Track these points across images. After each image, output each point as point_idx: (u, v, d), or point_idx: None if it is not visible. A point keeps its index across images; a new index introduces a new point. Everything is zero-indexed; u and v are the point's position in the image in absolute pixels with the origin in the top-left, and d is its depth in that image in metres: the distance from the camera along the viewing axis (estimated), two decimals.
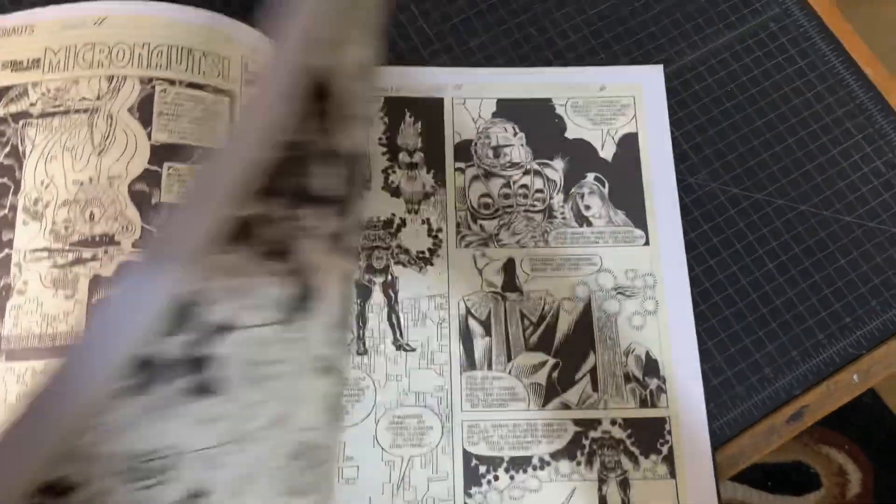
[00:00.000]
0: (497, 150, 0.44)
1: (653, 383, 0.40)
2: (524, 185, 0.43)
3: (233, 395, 0.22)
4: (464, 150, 0.43)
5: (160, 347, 0.19)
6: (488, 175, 0.43)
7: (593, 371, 0.40)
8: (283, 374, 0.24)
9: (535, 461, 0.39)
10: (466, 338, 0.41)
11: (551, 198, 0.43)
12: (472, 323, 0.41)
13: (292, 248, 0.23)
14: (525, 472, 0.39)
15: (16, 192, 0.38)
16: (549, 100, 0.44)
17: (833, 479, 0.89)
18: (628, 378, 0.40)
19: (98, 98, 0.39)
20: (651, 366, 0.40)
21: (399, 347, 0.40)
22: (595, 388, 0.40)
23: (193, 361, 0.20)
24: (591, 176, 0.43)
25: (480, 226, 0.42)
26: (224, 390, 0.21)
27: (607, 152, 0.44)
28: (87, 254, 0.37)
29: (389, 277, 0.41)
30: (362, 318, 0.41)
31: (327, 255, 0.24)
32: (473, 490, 0.38)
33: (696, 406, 0.40)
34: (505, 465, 0.39)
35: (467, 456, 0.39)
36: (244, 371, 0.22)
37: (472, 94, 0.44)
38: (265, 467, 0.24)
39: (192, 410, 0.21)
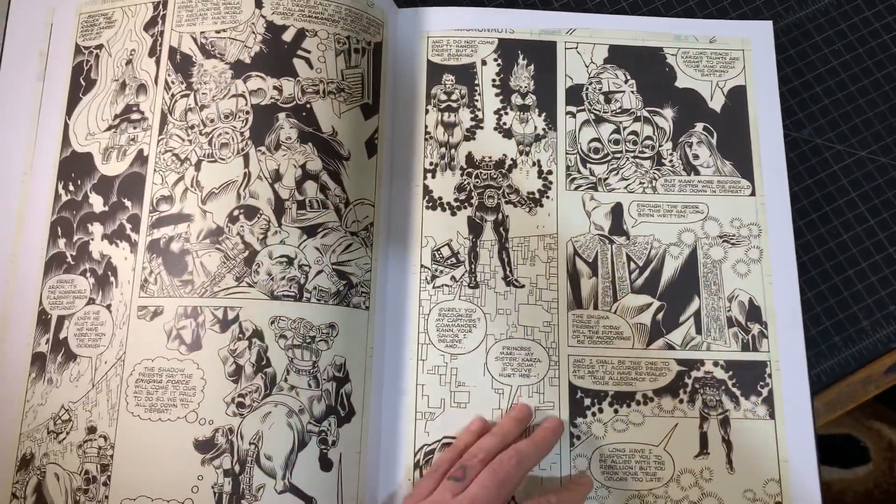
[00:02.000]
0: (608, 96, 0.44)
1: (755, 328, 0.41)
2: (634, 132, 0.44)
3: None
4: (575, 94, 0.44)
5: None
6: (599, 120, 0.44)
7: (697, 314, 0.41)
8: None
9: (638, 397, 0.40)
10: (574, 277, 0.42)
11: (660, 145, 0.44)
12: (580, 263, 0.42)
13: None
14: (629, 406, 0.40)
15: None
16: (661, 49, 0.45)
17: (883, 454, 0.89)
18: (731, 322, 0.41)
19: None
20: (754, 311, 0.41)
21: (509, 283, 0.42)
22: (699, 330, 0.41)
23: None
24: (699, 126, 0.44)
25: (590, 170, 0.43)
26: None
27: (716, 103, 0.44)
28: None
29: (500, 216, 0.42)
30: (474, 254, 0.42)
31: None
32: (578, 420, 0.40)
33: (796, 351, 0.41)
34: (609, 398, 0.40)
35: (573, 388, 0.40)
36: None
37: (584, 38, 0.45)
38: None
39: None
